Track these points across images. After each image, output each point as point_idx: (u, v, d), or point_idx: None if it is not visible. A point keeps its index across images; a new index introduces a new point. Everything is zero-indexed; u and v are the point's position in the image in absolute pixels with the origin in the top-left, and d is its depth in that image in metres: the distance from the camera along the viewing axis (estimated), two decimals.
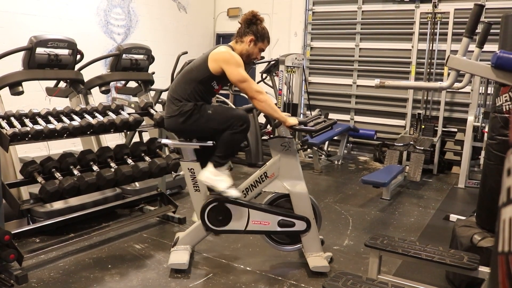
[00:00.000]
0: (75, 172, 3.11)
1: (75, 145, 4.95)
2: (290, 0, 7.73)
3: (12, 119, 3.03)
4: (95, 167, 3.23)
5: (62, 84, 4.27)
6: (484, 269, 2.36)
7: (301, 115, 7.19)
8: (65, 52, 3.88)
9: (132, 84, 5.10)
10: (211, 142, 2.92)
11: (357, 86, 7.33)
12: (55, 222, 3.37)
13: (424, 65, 6.44)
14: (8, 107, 3.46)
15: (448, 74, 3.62)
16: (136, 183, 4.13)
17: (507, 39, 2.78)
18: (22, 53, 3.65)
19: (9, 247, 2.74)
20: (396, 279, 2.69)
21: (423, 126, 6.42)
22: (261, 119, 6.80)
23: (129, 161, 3.42)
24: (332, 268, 3.03)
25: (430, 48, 6.36)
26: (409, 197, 5.04)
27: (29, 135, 2.92)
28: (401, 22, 6.83)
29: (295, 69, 6.61)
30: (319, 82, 7.68)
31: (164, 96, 4.24)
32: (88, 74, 4.34)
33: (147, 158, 3.51)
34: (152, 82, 4.90)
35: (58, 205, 3.50)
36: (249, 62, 2.97)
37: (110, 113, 3.44)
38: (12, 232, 2.87)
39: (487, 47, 3.64)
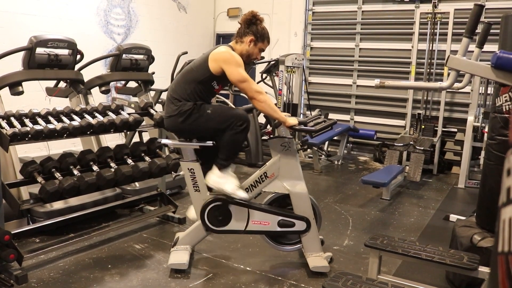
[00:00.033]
0: (75, 172, 3.11)
1: (75, 145, 4.95)
2: (290, 0, 7.73)
3: (12, 119, 3.03)
4: (95, 167, 3.23)
5: (62, 84, 4.27)
6: (484, 269, 2.36)
7: (301, 115, 7.19)
8: (65, 52, 3.88)
9: (132, 84, 5.10)
10: (211, 142, 2.92)
11: (357, 86, 7.33)
12: (55, 222, 3.37)
13: (424, 65, 6.44)
14: (8, 107, 3.46)
15: (448, 74, 3.63)
16: (136, 183, 4.13)
17: (507, 39, 2.78)
18: (22, 53, 3.65)
19: (9, 247, 2.74)
20: (396, 279, 2.69)
21: (423, 126, 6.42)
22: (261, 119, 6.80)
23: (129, 161, 3.42)
24: (332, 268, 3.03)
25: (430, 48, 6.36)
26: (409, 197, 5.04)
27: (29, 135, 2.92)
28: (401, 22, 6.83)
29: (295, 69, 6.61)
30: (319, 82, 7.68)
31: (164, 96, 4.24)
32: (88, 74, 4.34)
33: (147, 158, 3.51)
34: (152, 82, 4.90)
35: (58, 205, 3.50)
36: (249, 62, 2.97)
37: (110, 113, 3.44)
38: (12, 232, 2.87)
39: (487, 47, 3.64)
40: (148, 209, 4.09)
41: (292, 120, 2.82)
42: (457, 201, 5.08)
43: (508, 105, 2.75)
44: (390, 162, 5.65)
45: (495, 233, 0.69)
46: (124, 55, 4.47)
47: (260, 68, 7.21)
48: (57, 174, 3.04)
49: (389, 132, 7.01)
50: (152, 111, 3.82)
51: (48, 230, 3.40)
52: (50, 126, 3.01)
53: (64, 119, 3.19)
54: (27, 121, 3.06)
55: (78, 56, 4.03)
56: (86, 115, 3.31)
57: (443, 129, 6.30)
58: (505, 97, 2.77)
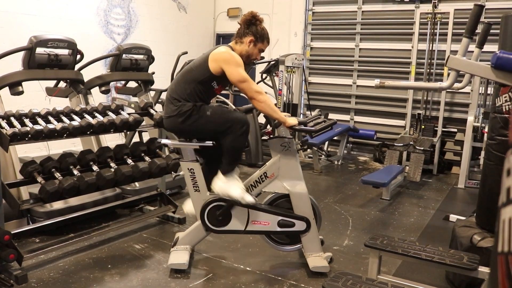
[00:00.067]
0: (75, 172, 3.11)
1: (75, 145, 4.95)
2: (290, 0, 7.73)
3: (12, 119, 3.03)
4: (95, 167, 3.23)
5: (62, 84, 4.27)
6: (483, 269, 2.36)
7: (301, 115, 7.19)
8: (65, 52, 3.88)
9: (132, 84, 5.10)
10: (211, 142, 2.92)
11: (357, 86, 7.33)
12: (55, 222, 3.37)
13: (424, 65, 6.44)
14: (8, 107, 3.46)
15: (448, 75, 3.63)
16: (136, 183, 4.13)
17: (507, 39, 2.78)
18: (22, 53, 3.65)
19: (9, 247, 2.74)
20: (396, 279, 2.69)
21: (423, 126, 6.42)
22: (261, 119, 6.80)
23: (129, 161, 3.42)
24: (332, 268, 3.03)
25: (430, 48, 6.37)
26: (409, 197, 5.04)
27: (29, 135, 2.92)
28: (401, 22, 6.83)
29: (295, 69, 6.61)
30: (319, 82, 7.68)
31: (164, 96, 4.24)
32: (88, 74, 4.34)
33: (147, 158, 3.51)
34: (152, 82, 4.90)
35: (58, 205, 3.50)
36: (248, 62, 2.97)
37: (110, 113, 3.44)
38: (12, 232, 2.87)
39: (487, 47, 3.63)
40: (148, 209, 4.09)
41: (292, 120, 2.82)
42: (457, 201, 5.08)
43: (508, 105, 2.75)
44: (390, 162, 5.65)
45: (495, 233, 0.69)
46: (124, 55, 4.47)
47: (260, 68, 7.21)
48: (57, 174, 3.04)
49: (389, 132, 7.01)
50: (152, 111, 3.82)
51: (48, 230, 3.40)
52: (50, 126, 3.01)
53: (64, 119, 3.19)
54: (27, 121, 3.06)
55: (78, 56, 4.03)
56: (86, 115, 3.31)
57: (443, 129, 6.30)
58: (505, 97, 2.77)
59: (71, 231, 3.44)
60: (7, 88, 3.59)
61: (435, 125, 6.34)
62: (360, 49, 7.25)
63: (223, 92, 6.46)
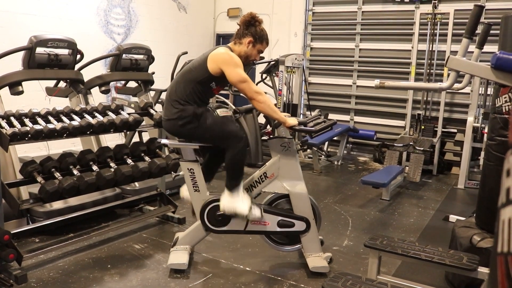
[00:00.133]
0: (75, 172, 3.11)
1: (74, 145, 4.95)
2: (290, 1, 7.73)
3: (12, 118, 3.03)
4: (94, 167, 3.23)
5: (62, 84, 4.27)
6: (483, 270, 2.36)
7: (301, 115, 7.19)
8: (65, 52, 3.88)
9: (132, 84, 5.10)
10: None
11: (357, 86, 7.33)
12: (55, 222, 3.37)
13: (424, 65, 6.44)
14: (8, 107, 3.46)
15: (448, 75, 3.64)
16: (136, 183, 4.13)
17: (507, 40, 2.78)
18: (22, 53, 3.65)
19: (9, 247, 2.74)
20: (395, 279, 2.69)
21: (422, 127, 6.42)
22: (261, 119, 6.80)
23: (129, 161, 3.42)
24: (332, 269, 3.03)
25: (430, 49, 6.37)
26: (408, 197, 5.04)
27: (29, 135, 2.92)
28: (401, 22, 6.83)
29: (295, 69, 6.61)
30: (319, 83, 7.68)
31: (164, 96, 4.24)
32: (88, 74, 4.34)
33: (146, 158, 3.51)
34: (152, 82, 4.90)
35: (57, 205, 3.50)
36: (247, 63, 2.96)
37: (110, 113, 3.44)
38: (12, 232, 2.87)
39: (487, 48, 3.64)
40: (148, 209, 4.09)
41: (292, 121, 2.82)
42: (457, 201, 5.08)
43: (508, 105, 2.75)
44: (389, 162, 5.65)
45: (495, 233, 0.69)
46: (124, 55, 4.47)
47: (260, 68, 7.21)
48: (57, 174, 3.04)
49: (389, 132, 7.01)
50: (152, 111, 3.82)
51: (48, 230, 3.40)
52: (50, 126, 3.01)
53: (64, 119, 3.19)
54: (27, 120, 3.06)
55: (78, 56, 4.03)
56: (86, 115, 3.31)
57: (443, 129, 6.30)
58: (505, 97, 2.78)
59: (70, 231, 3.44)
60: (7, 88, 3.59)
61: (435, 125, 6.34)
62: (360, 49, 7.25)
63: (223, 92, 6.46)
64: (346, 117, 7.39)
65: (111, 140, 4.61)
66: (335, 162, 6.56)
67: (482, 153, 4.92)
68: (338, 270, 3.01)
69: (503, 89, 2.77)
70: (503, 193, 0.66)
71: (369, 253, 2.66)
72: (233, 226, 2.97)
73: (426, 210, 4.60)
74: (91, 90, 4.38)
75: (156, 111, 3.80)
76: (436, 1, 6.17)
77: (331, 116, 6.62)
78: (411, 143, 5.77)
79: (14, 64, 3.74)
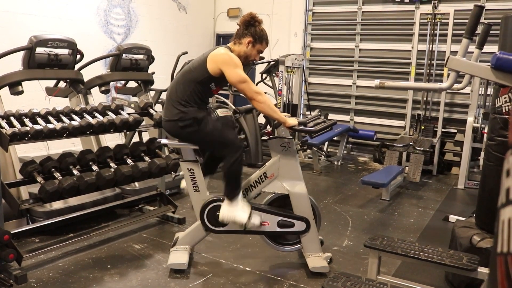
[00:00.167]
0: (75, 172, 3.11)
1: (74, 145, 4.95)
2: (290, 1, 7.73)
3: (12, 118, 3.03)
4: (94, 167, 3.23)
5: (62, 84, 4.27)
6: (483, 270, 2.36)
7: (301, 115, 7.19)
8: (65, 52, 3.88)
9: (132, 84, 5.10)
10: None
11: (357, 86, 7.33)
12: (55, 222, 3.37)
13: (424, 66, 6.44)
14: (8, 106, 3.46)
15: (448, 75, 3.64)
16: (136, 183, 4.13)
17: (507, 40, 2.78)
18: (22, 53, 3.65)
19: (9, 247, 2.74)
20: (395, 279, 2.69)
21: (422, 127, 6.42)
22: (261, 119, 6.80)
23: (129, 161, 3.42)
24: (332, 269, 3.03)
25: (430, 49, 6.37)
26: (408, 197, 5.05)
27: (29, 135, 2.92)
28: (401, 23, 6.83)
29: (295, 69, 6.61)
30: (319, 83, 7.68)
31: (164, 96, 4.24)
32: (88, 74, 4.34)
33: (146, 158, 3.51)
34: (152, 82, 4.90)
35: (57, 205, 3.50)
36: (247, 63, 2.96)
37: (110, 113, 3.44)
38: (12, 232, 2.87)
39: (487, 48, 3.64)
40: (148, 209, 4.09)
41: (292, 121, 2.82)
42: (457, 201, 5.08)
43: (508, 106, 2.75)
44: (389, 162, 5.65)
45: (495, 233, 0.69)
46: (124, 55, 4.47)
47: (260, 68, 7.21)
48: (57, 174, 3.04)
49: (389, 132, 7.01)
50: (152, 111, 3.82)
51: (48, 230, 3.40)
52: (50, 126, 3.01)
53: (64, 119, 3.19)
54: (26, 120, 3.06)
55: (78, 56, 4.03)
56: (86, 115, 3.31)
57: (443, 129, 6.30)
58: (505, 98, 2.78)
59: (70, 231, 3.44)
60: (7, 88, 3.59)
61: (435, 125, 6.34)
62: (360, 49, 7.25)
63: (223, 92, 6.46)
64: (346, 117, 7.39)
65: (111, 140, 4.61)
66: (335, 162, 6.56)
67: (482, 153, 4.92)
68: (338, 270, 3.01)
69: (503, 89, 2.77)
70: (503, 193, 0.66)
71: (369, 253, 2.66)
72: (233, 226, 2.97)
73: (426, 210, 4.60)
74: (91, 90, 4.38)
75: (156, 111, 3.80)
76: (436, 1, 6.17)
77: (331, 116, 6.62)
78: (411, 143, 5.77)
79: (14, 64, 3.74)
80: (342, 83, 7.46)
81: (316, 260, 2.98)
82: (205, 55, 2.85)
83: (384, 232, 3.85)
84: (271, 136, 3.00)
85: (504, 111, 2.78)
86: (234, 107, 5.71)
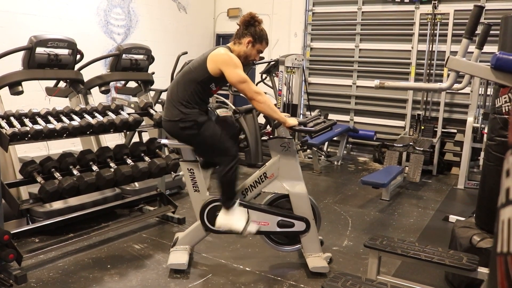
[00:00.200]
0: (75, 172, 3.11)
1: (74, 145, 4.95)
2: (290, 1, 7.73)
3: (12, 119, 3.03)
4: (94, 167, 3.23)
5: (62, 84, 4.27)
6: (483, 270, 2.36)
7: (301, 115, 7.19)
8: (65, 52, 3.88)
9: (132, 84, 5.10)
10: None
11: (357, 86, 7.33)
12: (55, 222, 3.37)
13: (424, 66, 6.45)
14: (7, 106, 3.46)
15: (448, 75, 3.64)
16: (136, 183, 4.13)
17: (507, 40, 2.78)
18: (22, 53, 3.65)
19: (8, 247, 2.74)
20: (395, 279, 2.69)
21: (422, 127, 6.42)
22: (261, 119, 6.80)
23: (129, 161, 3.42)
24: (332, 269, 3.03)
25: (430, 49, 6.37)
26: (408, 198, 5.05)
27: (29, 135, 2.92)
28: (401, 23, 6.83)
29: (295, 69, 6.61)
30: (319, 83, 7.68)
31: (164, 96, 4.24)
32: (88, 74, 4.34)
33: (146, 158, 3.51)
34: (152, 82, 4.90)
35: (57, 205, 3.50)
36: (247, 63, 2.96)
37: (110, 113, 3.44)
38: (12, 232, 2.87)
39: (487, 48, 3.64)
40: (148, 209, 4.09)
41: (292, 121, 2.82)
42: (457, 202, 5.09)
43: (508, 106, 2.75)
44: (389, 162, 5.65)
45: (494, 233, 0.69)
46: (124, 55, 4.47)
47: (260, 68, 7.22)
48: (57, 174, 3.04)
49: (389, 132, 7.01)
50: (151, 111, 3.81)
51: (48, 230, 3.40)
52: (50, 126, 3.01)
53: (64, 119, 3.19)
54: (26, 121, 3.06)
55: (78, 56, 4.03)
56: (85, 115, 3.31)
57: (443, 130, 6.30)
58: (505, 98, 2.78)
59: (70, 231, 3.44)
60: (7, 88, 3.59)
61: (435, 125, 6.34)
62: (360, 49, 7.25)
63: (223, 92, 6.46)
64: (346, 117, 7.39)
65: (111, 140, 4.61)
66: (335, 162, 6.56)
67: (482, 154, 4.92)
68: (338, 270, 3.01)
69: (503, 89, 2.78)
70: (502, 193, 0.66)
71: (369, 253, 2.66)
72: None
73: (426, 210, 4.60)
74: (91, 90, 4.38)
75: (156, 111, 3.80)
76: (436, 2, 6.17)
77: (331, 116, 6.62)
78: (411, 143, 5.77)
79: (14, 64, 3.74)
80: (342, 83, 7.46)
81: (316, 260, 2.98)
82: (205, 55, 2.84)
83: (384, 232, 3.85)
84: (271, 136, 3.00)
85: (504, 111, 2.78)
86: (234, 107, 5.71)
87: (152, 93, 5.29)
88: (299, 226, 2.96)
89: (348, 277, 2.21)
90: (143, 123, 3.70)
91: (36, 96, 4.53)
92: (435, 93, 6.45)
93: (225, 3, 8.44)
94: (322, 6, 7.58)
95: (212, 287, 2.82)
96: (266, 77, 6.93)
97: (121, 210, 4.05)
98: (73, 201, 3.56)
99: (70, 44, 3.84)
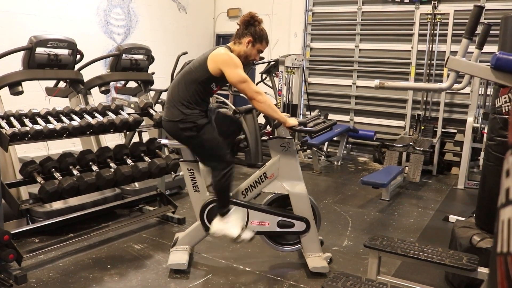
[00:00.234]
0: (75, 172, 3.11)
1: (74, 145, 4.95)
2: (290, 1, 7.73)
3: (12, 119, 3.03)
4: (94, 167, 3.23)
5: (62, 84, 4.27)
6: (483, 270, 2.36)
7: (301, 115, 7.19)
8: (65, 52, 3.88)
9: (132, 84, 5.10)
10: None
11: (357, 87, 7.33)
12: (55, 222, 3.37)
13: (424, 66, 6.45)
14: (7, 107, 3.46)
15: (448, 75, 3.64)
16: (136, 183, 4.13)
17: (507, 40, 2.78)
18: (22, 53, 3.65)
19: (8, 247, 2.74)
20: (395, 279, 2.69)
21: (422, 127, 6.42)
22: (261, 119, 6.80)
23: (129, 161, 3.42)
24: (331, 269, 3.03)
25: (430, 49, 6.37)
26: (408, 198, 5.05)
27: (29, 135, 2.92)
28: (401, 23, 6.83)
29: (295, 69, 6.61)
30: (318, 83, 7.69)
31: (164, 96, 4.24)
32: (88, 74, 4.34)
33: (146, 159, 3.51)
34: (152, 82, 4.90)
35: (57, 205, 3.50)
36: (247, 63, 2.96)
37: (110, 113, 3.44)
38: (12, 232, 2.87)
39: (487, 48, 3.64)
40: (148, 209, 4.09)
41: (292, 121, 2.82)
42: (457, 202, 5.09)
43: (508, 106, 2.75)
44: (389, 162, 5.65)
45: (494, 233, 0.69)
46: (124, 55, 4.47)
47: (260, 68, 7.22)
48: (57, 174, 3.04)
49: (389, 133, 7.01)
50: (151, 111, 3.81)
51: (48, 230, 3.40)
52: (50, 126, 3.01)
53: (64, 119, 3.19)
54: (26, 121, 3.06)
55: (78, 56, 4.03)
56: (85, 115, 3.31)
57: (443, 130, 6.30)
58: (505, 98, 2.78)
59: (70, 231, 3.44)
60: (7, 88, 3.59)
61: (435, 125, 6.34)
62: (360, 49, 7.25)
63: (223, 92, 6.47)
64: (346, 118, 7.39)
65: (111, 140, 4.61)
66: (335, 163, 6.56)
67: (482, 154, 4.92)
68: (338, 270, 3.01)
69: (503, 89, 2.78)
70: (502, 193, 0.66)
71: (369, 253, 2.65)
72: None
73: (426, 210, 4.60)
74: (91, 90, 4.38)
75: (156, 111, 3.80)
76: (436, 2, 6.17)
77: (331, 116, 6.63)
78: (411, 143, 5.77)
79: (14, 64, 3.74)
80: (342, 83, 7.46)
81: (316, 260, 2.98)
82: (205, 55, 2.84)
83: (384, 232, 3.85)
84: (271, 136, 3.00)
85: (504, 111, 2.78)
86: (234, 107, 5.71)
87: (152, 93, 5.29)
88: (299, 226, 2.96)
89: (348, 277, 2.21)
90: (143, 123, 3.70)
91: (36, 96, 4.53)
92: (435, 93, 6.45)
93: (225, 3, 8.44)
94: (322, 6, 7.58)
95: (212, 287, 2.82)
96: (266, 77, 6.93)
97: (121, 210, 4.05)
98: (73, 201, 3.56)
99: (70, 44, 3.84)
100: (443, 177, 6.06)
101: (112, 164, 3.28)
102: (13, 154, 3.49)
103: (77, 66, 4.12)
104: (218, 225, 2.90)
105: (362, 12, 7.16)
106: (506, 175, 0.66)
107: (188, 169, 2.96)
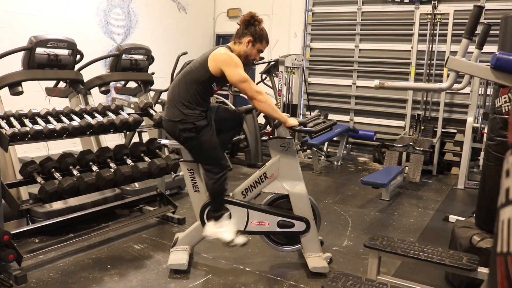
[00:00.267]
0: (75, 172, 3.11)
1: (74, 145, 4.95)
2: (290, 1, 7.74)
3: (12, 119, 3.03)
4: (94, 168, 3.23)
5: (61, 84, 4.27)
6: (483, 270, 2.36)
7: (301, 116, 7.19)
8: (65, 52, 3.88)
9: (132, 85, 5.10)
10: None
11: (357, 87, 7.33)
12: (55, 223, 3.37)
13: (424, 66, 6.45)
14: (7, 107, 3.46)
15: (448, 75, 3.64)
16: (136, 184, 4.13)
17: (507, 40, 2.78)
18: (21, 53, 3.65)
19: (8, 247, 2.74)
20: (395, 279, 2.69)
21: (422, 127, 6.42)
22: (261, 119, 6.80)
23: (129, 161, 3.42)
24: (331, 269, 3.03)
25: (430, 49, 6.37)
26: (408, 198, 5.05)
27: (29, 135, 2.92)
28: (400, 23, 6.83)
29: (295, 69, 6.61)
30: (318, 83, 7.69)
31: (164, 96, 4.24)
32: (88, 74, 4.34)
33: (146, 159, 3.51)
34: (151, 82, 4.90)
35: (57, 205, 3.50)
36: (247, 63, 2.96)
37: (110, 114, 3.44)
38: (12, 232, 2.87)
39: (487, 48, 3.64)
40: (148, 209, 4.09)
41: (292, 121, 2.82)
42: (457, 202, 5.09)
43: (507, 106, 2.75)
44: (389, 162, 5.65)
45: (494, 233, 0.69)
46: (124, 55, 4.47)
47: (260, 68, 7.21)
48: (57, 174, 3.04)
49: (389, 133, 7.01)
50: (151, 111, 3.81)
51: (48, 231, 3.40)
52: (50, 126, 3.01)
53: (64, 119, 3.19)
54: (26, 121, 3.06)
55: (78, 56, 4.03)
56: (85, 115, 3.31)
57: (443, 130, 6.30)
58: (504, 98, 2.78)
59: (70, 231, 3.44)
60: (7, 88, 3.59)
61: (435, 125, 6.34)
62: (359, 49, 7.25)
63: (223, 92, 6.47)
64: (345, 118, 7.39)
65: (111, 140, 4.61)
66: (335, 163, 6.56)
67: (482, 154, 4.92)
68: (338, 270, 3.01)
69: (503, 89, 2.78)
70: (502, 193, 0.66)
71: (369, 253, 2.66)
72: None
73: (426, 210, 4.60)
74: (91, 90, 4.38)
75: (156, 112, 3.80)
76: (436, 2, 6.17)
77: (331, 116, 6.63)
78: (410, 143, 5.77)
79: (14, 64, 3.74)
80: (342, 83, 7.46)
81: (316, 260, 2.98)
82: (205, 55, 2.84)
83: (384, 232, 3.85)
84: (271, 136, 3.00)
85: (503, 111, 2.78)
86: (234, 107, 5.72)
87: (152, 94, 5.29)
88: (299, 226, 2.96)
89: (348, 277, 2.21)
90: (143, 124, 3.70)
91: (36, 97, 4.53)
92: (435, 93, 6.45)
93: (225, 3, 8.44)
94: (322, 6, 7.58)
95: (212, 287, 2.82)
96: (266, 77, 6.93)
97: (121, 210, 4.05)
98: (73, 201, 3.56)
99: (70, 45, 3.84)
100: (443, 177, 6.06)
101: (112, 164, 3.28)
102: (13, 154, 3.49)
103: (77, 66, 4.12)
104: (212, 228, 2.92)
105: (362, 12, 7.16)
106: (506, 175, 0.66)
107: (188, 169, 2.96)
